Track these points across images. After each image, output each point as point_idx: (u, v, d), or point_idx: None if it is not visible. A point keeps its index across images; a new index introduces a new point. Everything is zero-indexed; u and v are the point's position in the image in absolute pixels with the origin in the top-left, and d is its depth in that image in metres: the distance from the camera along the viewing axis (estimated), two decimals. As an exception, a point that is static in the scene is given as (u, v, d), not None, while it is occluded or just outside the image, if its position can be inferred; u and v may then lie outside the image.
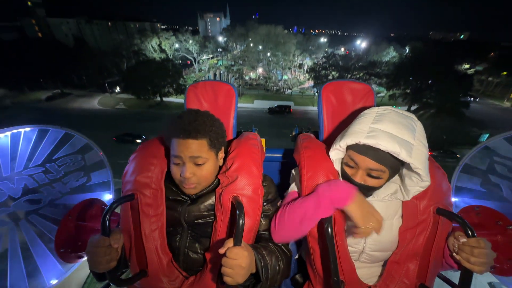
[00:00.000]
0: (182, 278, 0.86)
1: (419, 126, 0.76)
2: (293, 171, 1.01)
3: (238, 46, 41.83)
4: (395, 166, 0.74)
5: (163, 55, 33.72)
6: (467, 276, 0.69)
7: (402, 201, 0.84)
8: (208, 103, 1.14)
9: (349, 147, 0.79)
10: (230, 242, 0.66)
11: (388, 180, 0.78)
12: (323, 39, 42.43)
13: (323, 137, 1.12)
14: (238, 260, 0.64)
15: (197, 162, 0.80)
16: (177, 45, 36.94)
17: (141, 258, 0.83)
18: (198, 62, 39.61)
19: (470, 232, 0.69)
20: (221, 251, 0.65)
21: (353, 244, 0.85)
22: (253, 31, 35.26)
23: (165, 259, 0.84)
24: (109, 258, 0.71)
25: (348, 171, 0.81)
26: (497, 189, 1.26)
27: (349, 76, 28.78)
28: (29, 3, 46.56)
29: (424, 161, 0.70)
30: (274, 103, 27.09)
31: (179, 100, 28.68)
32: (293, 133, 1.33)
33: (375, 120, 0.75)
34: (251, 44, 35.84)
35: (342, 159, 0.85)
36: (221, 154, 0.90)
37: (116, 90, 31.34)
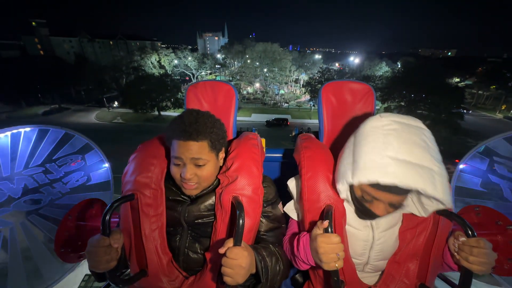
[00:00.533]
0: (182, 278, 0.86)
1: (429, 137, 0.68)
2: (289, 183, 0.96)
3: (236, 62, 42.53)
4: None
5: (162, 71, 34.07)
6: (467, 276, 0.69)
7: None
8: (208, 103, 1.14)
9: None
10: (230, 242, 0.66)
11: None
12: (317, 56, 43.26)
13: (323, 137, 1.12)
14: (238, 260, 0.64)
15: (198, 164, 0.80)
16: (176, 61, 37.35)
17: (141, 258, 0.83)
18: (197, 78, 39.88)
19: (470, 232, 0.69)
20: (221, 251, 0.65)
21: (357, 257, 0.84)
22: (250, 48, 36.13)
23: (165, 259, 0.84)
24: (109, 258, 0.71)
25: (366, 204, 0.73)
26: (497, 189, 1.26)
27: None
28: (33, 23, 47.30)
29: (447, 188, 0.64)
30: (271, 117, 27.78)
31: (177, 114, 28.77)
32: (293, 133, 1.33)
33: (385, 144, 0.65)
34: (248, 61, 36.56)
35: (351, 188, 0.77)
36: (222, 154, 0.90)
37: (114, 105, 31.56)
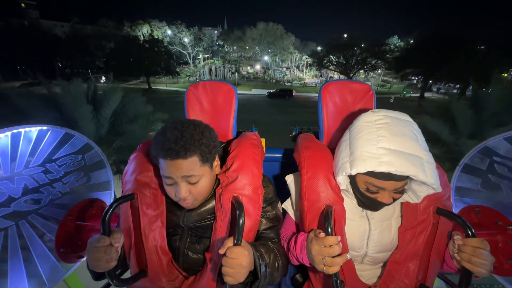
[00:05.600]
0: (182, 278, 0.86)
1: (417, 129, 0.75)
2: (287, 179, 0.97)
3: (235, 48, 41.51)
4: None
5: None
6: (467, 276, 0.69)
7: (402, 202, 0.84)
8: (208, 103, 1.14)
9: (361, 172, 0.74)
10: (230, 242, 0.66)
11: None
12: (320, 48, 42.27)
13: (323, 137, 1.12)
14: (239, 260, 0.64)
15: (191, 181, 0.76)
16: (169, 32, 34.88)
17: (141, 258, 0.83)
18: (194, 61, 38.11)
19: (470, 232, 0.69)
20: (221, 252, 0.65)
21: (356, 249, 0.86)
22: (250, 28, 34.97)
23: (165, 259, 0.84)
24: (108, 258, 0.70)
25: (373, 196, 0.76)
26: (497, 189, 1.26)
27: (355, 59, 28.39)
28: (22, 4, 43.17)
29: (436, 174, 0.70)
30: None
31: (169, 88, 27.50)
32: (293, 133, 1.34)
33: (379, 137, 0.71)
34: (247, 47, 35.73)
35: (352, 181, 0.80)
36: (216, 162, 0.86)
37: (102, 81, 29.05)
